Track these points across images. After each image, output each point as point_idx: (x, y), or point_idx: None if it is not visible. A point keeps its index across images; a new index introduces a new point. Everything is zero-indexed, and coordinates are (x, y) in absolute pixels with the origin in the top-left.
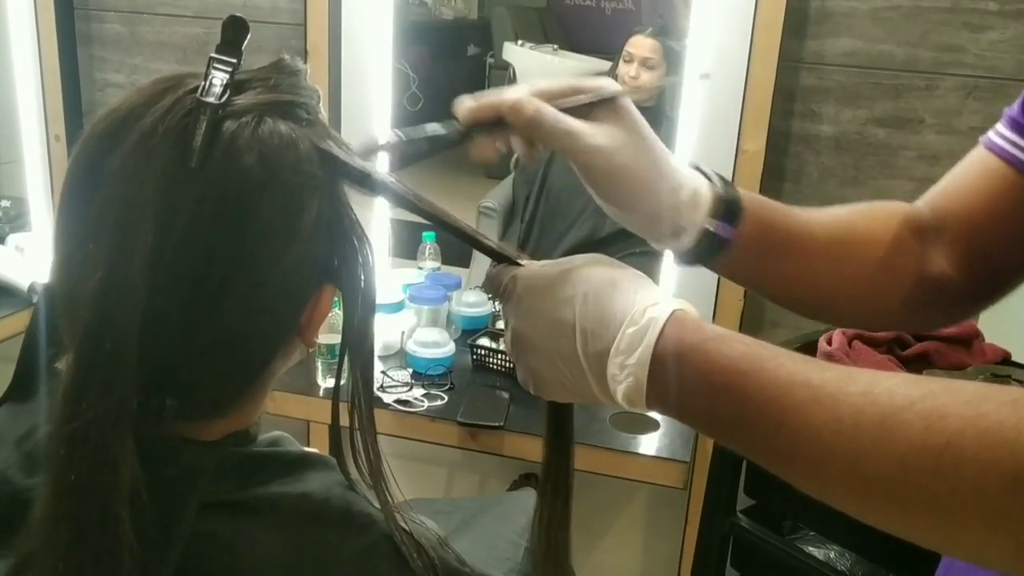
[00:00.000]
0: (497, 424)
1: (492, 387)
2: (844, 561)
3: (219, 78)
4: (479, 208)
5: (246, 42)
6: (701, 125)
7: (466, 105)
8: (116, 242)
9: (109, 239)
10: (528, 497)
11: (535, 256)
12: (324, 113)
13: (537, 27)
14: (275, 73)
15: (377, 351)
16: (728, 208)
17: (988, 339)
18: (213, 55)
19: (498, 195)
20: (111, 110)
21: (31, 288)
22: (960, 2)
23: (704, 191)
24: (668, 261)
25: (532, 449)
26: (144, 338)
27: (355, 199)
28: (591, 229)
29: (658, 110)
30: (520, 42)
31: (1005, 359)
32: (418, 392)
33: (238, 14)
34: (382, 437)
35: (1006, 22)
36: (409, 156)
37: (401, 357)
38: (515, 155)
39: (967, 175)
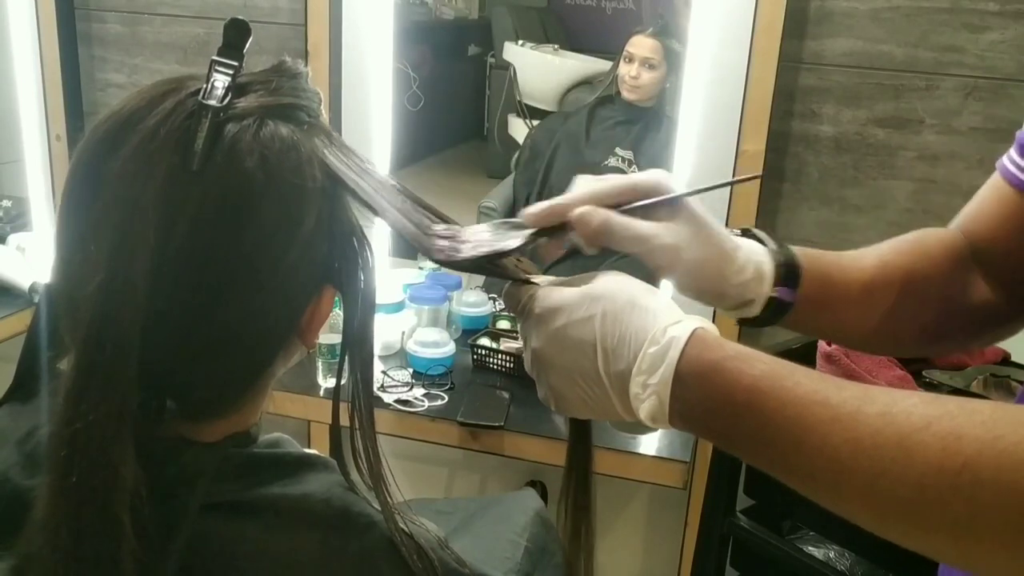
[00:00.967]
0: (497, 424)
1: (492, 387)
2: (844, 561)
3: (221, 81)
4: (480, 207)
5: (248, 45)
6: (701, 125)
7: (531, 212)
8: (117, 245)
9: (110, 242)
10: (528, 497)
11: (534, 258)
12: (325, 115)
13: (538, 27)
14: (276, 76)
15: (377, 351)
16: (788, 273)
17: None
18: (215, 58)
19: (499, 194)
20: (112, 113)
21: (32, 288)
22: (960, 2)
23: (766, 264)
24: None
25: (532, 449)
26: (145, 340)
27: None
28: None
29: (658, 110)
30: (521, 42)
31: (1004, 359)
32: (418, 392)
33: (239, 17)
34: (382, 437)
35: (1006, 22)
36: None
37: (401, 357)
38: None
39: (988, 201)
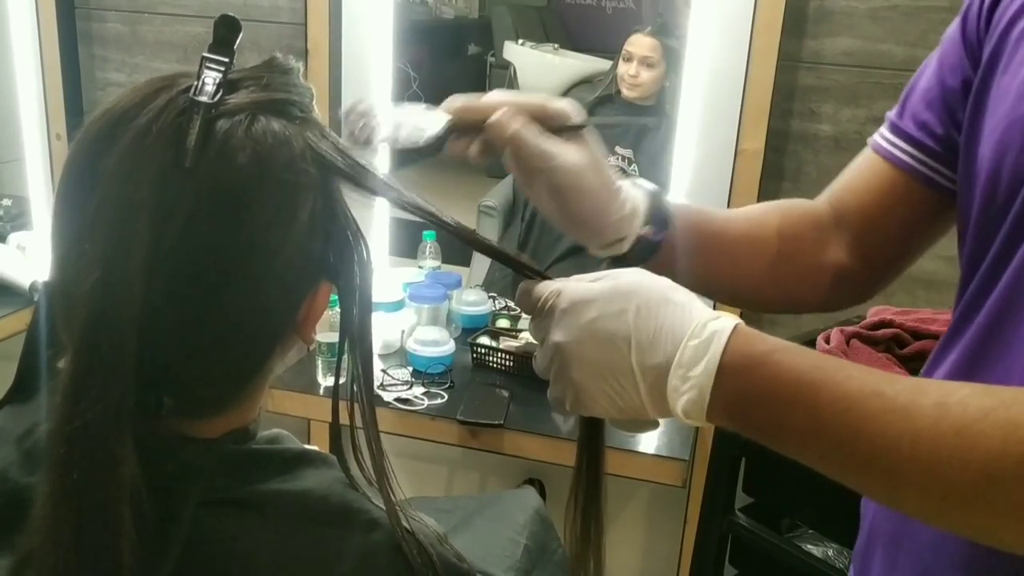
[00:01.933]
0: (497, 422)
1: (492, 385)
2: (842, 559)
3: (212, 77)
4: (479, 207)
5: (239, 41)
6: (700, 124)
7: (454, 102)
8: (112, 242)
9: (105, 239)
10: (527, 495)
11: (535, 256)
12: (317, 111)
13: (538, 26)
14: (268, 71)
15: (377, 349)
16: (658, 214)
17: None
18: (205, 55)
19: (498, 194)
20: (105, 110)
21: (32, 287)
22: (959, 2)
23: (641, 204)
24: None
25: (532, 447)
26: (141, 337)
27: (352, 197)
28: None
29: (658, 109)
30: (521, 41)
31: None
32: (418, 390)
33: (231, 13)
34: (382, 435)
35: None
36: (400, 154)
37: (401, 356)
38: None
39: (860, 174)
